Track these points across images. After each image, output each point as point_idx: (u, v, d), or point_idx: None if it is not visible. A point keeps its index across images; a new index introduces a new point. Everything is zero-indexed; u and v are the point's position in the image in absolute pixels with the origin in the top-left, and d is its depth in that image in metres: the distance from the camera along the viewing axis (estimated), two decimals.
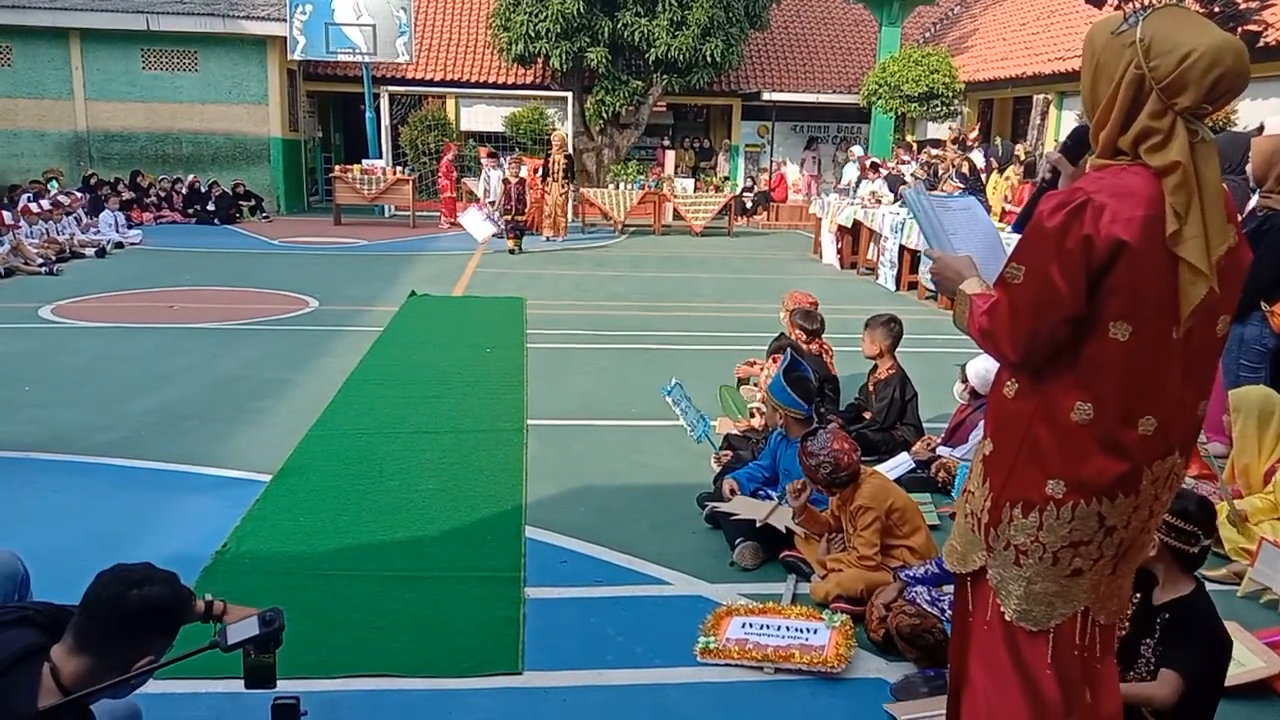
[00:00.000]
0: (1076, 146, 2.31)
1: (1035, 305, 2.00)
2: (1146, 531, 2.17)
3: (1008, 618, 2.18)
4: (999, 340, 2.08)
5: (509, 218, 14.53)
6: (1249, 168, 5.32)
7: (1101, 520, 2.08)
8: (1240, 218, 5.60)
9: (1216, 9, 2.03)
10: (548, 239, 16.15)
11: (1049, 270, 1.97)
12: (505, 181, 14.94)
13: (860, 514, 3.82)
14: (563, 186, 16.25)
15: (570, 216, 17.30)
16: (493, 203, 15.74)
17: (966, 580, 2.29)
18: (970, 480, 2.29)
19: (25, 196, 13.65)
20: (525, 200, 14.92)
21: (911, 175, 14.06)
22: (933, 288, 10.78)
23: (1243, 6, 2.03)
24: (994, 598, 2.20)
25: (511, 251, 14.26)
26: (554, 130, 18.29)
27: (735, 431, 5.57)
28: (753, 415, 5.82)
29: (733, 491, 4.54)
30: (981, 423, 4.92)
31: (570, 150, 17.81)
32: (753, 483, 4.63)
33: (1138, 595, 2.98)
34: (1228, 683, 3.15)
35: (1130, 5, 1.98)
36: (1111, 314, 1.98)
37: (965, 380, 5.30)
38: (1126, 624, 2.98)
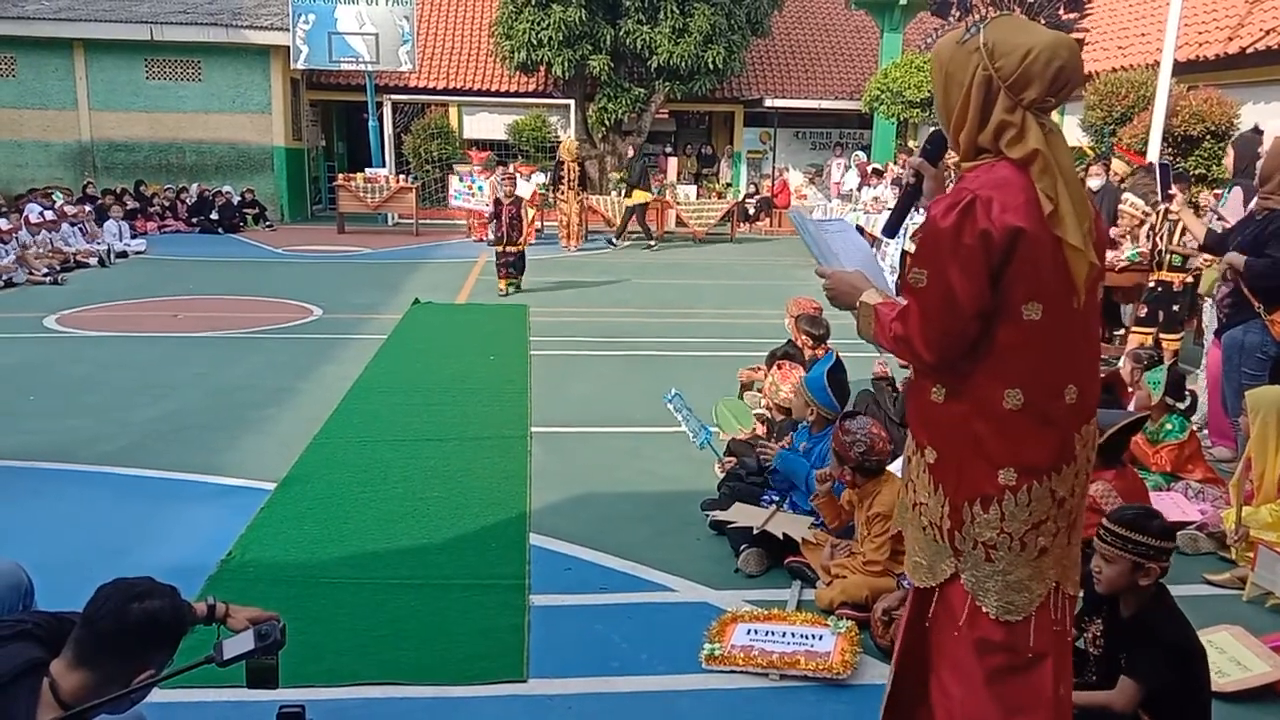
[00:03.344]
0: (935, 150, 2.42)
1: (943, 305, 2.08)
2: (1085, 495, 2.27)
3: (992, 615, 2.21)
4: (914, 344, 2.14)
5: (501, 247, 11.30)
6: (1258, 165, 5.32)
7: (1053, 495, 2.17)
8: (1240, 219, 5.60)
9: (1042, 20, 2.21)
10: (574, 248, 16.07)
11: (950, 270, 2.06)
12: (497, 203, 11.59)
13: (877, 520, 3.82)
14: (577, 195, 16.26)
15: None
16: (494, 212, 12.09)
17: (934, 592, 2.30)
18: (918, 492, 2.30)
19: (30, 208, 13.67)
20: (522, 226, 11.59)
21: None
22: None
23: (1064, 18, 2.24)
24: (971, 601, 2.23)
25: (504, 292, 11.23)
26: (566, 138, 18.09)
27: (739, 437, 5.56)
28: (758, 422, 5.81)
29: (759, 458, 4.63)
30: None
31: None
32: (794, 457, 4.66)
33: (1104, 608, 2.99)
34: (1233, 688, 3.15)
35: (971, 16, 2.16)
36: (1020, 298, 2.08)
37: None
38: (1100, 640, 2.99)
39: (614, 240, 16.70)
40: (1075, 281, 2.10)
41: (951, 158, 2.37)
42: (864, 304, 2.28)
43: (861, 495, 3.94)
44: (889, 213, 2.62)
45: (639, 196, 16.69)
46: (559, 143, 20.35)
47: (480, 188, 16.89)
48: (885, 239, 10.80)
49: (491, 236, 11.76)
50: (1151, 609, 2.88)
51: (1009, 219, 2.03)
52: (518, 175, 17.23)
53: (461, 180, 17.35)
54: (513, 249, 11.31)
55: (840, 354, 6.26)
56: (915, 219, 2.57)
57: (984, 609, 2.21)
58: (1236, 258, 5.00)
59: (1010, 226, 2.03)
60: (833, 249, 2.51)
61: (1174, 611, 2.91)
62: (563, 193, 16.15)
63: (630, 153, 17.29)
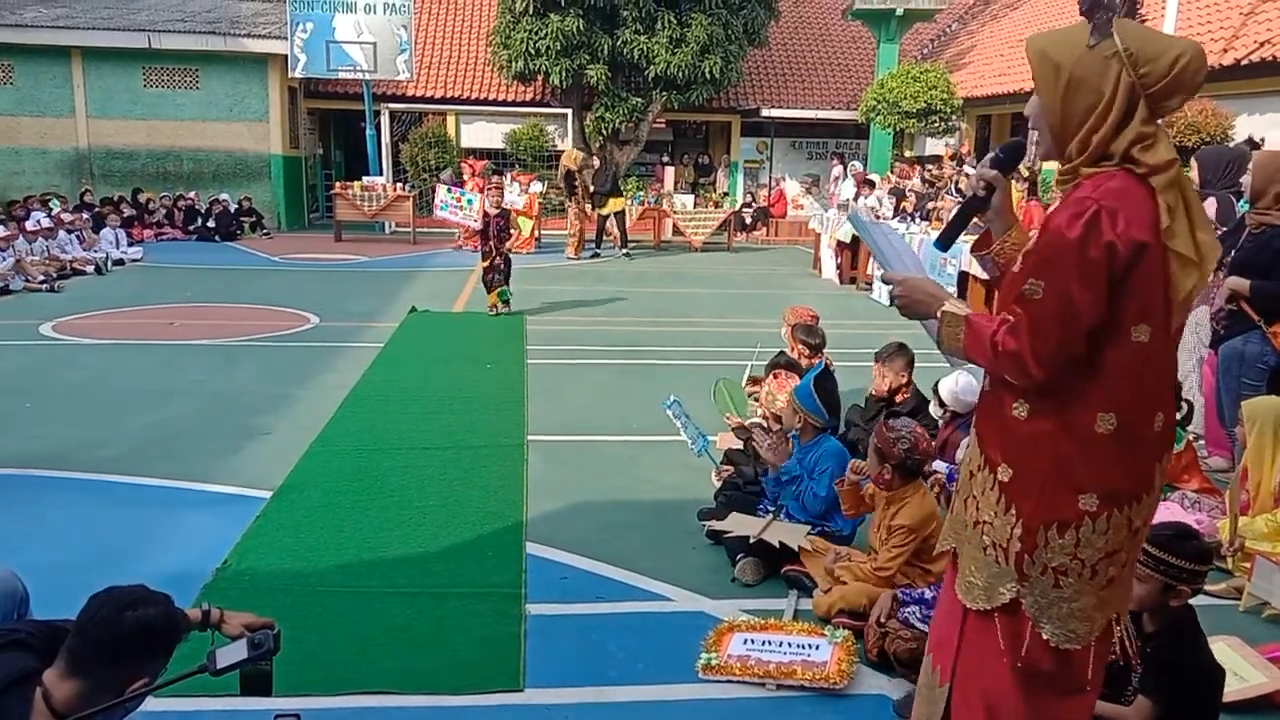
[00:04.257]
0: (1008, 160, 2.31)
1: (1059, 319, 1.99)
2: (1151, 525, 2.21)
3: (1052, 643, 2.14)
4: (1024, 360, 2.02)
5: (487, 264, 10.41)
6: (1243, 180, 5.34)
7: (1130, 524, 2.11)
8: (1224, 230, 5.62)
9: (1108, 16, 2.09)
10: (580, 256, 16.16)
11: (1070, 282, 1.97)
12: (484, 214, 10.76)
13: (898, 532, 3.77)
14: (580, 204, 16.35)
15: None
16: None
17: (993, 616, 2.21)
18: (981, 510, 2.20)
19: (35, 215, 13.64)
20: (511, 234, 10.89)
21: (910, 190, 14.10)
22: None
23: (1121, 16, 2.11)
24: (1031, 628, 2.15)
25: (495, 311, 10.35)
26: (570, 149, 17.94)
27: (735, 444, 5.56)
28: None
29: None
30: (966, 441, 4.93)
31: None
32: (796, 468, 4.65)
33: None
34: (1230, 699, 3.15)
35: (1098, 16, 2.03)
36: (1132, 317, 2.01)
37: (942, 402, 5.24)
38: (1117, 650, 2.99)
39: (598, 250, 16.72)
40: (1176, 301, 2.04)
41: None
42: (950, 314, 2.16)
43: (890, 499, 3.87)
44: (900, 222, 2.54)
45: (614, 205, 16.75)
46: (556, 152, 20.41)
47: (470, 201, 16.70)
48: (940, 250, 10.77)
49: (480, 250, 10.67)
50: (1176, 628, 2.87)
51: (1135, 233, 1.95)
52: (513, 184, 17.24)
53: (449, 191, 17.11)
54: (499, 260, 10.39)
55: (834, 363, 6.28)
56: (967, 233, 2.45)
57: (1043, 635, 2.14)
58: (1240, 282, 5.00)
59: (1136, 241, 1.96)
60: (897, 252, 2.40)
61: (1198, 633, 2.89)
62: (577, 202, 16.27)
63: (597, 163, 17.31)
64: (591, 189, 16.52)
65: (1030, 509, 2.11)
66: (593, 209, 16.78)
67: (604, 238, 16.95)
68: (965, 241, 11.01)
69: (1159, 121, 2.03)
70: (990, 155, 2.35)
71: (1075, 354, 2.02)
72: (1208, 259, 2.02)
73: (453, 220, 16.91)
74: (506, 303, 10.52)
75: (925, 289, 2.26)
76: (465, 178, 17.72)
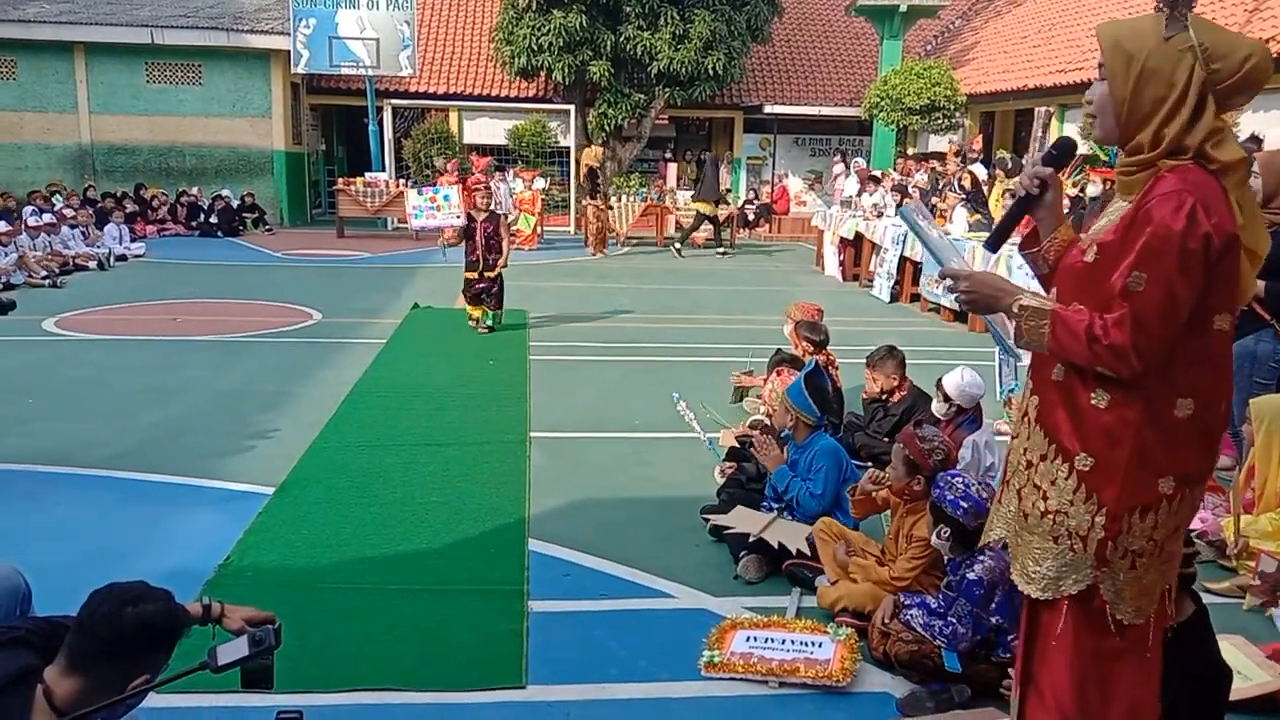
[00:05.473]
0: (1061, 157, 2.32)
1: (1163, 311, 2.01)
2: None
3: (1126, 621, 2.20)
4: (1128, 353, 2.03)
5: (474, 275, 9.03)
6: (1255, 182, 5.32)
7: (1193, 501, 2.19)
8: None
9: (1161, 5, 2.12)
10: (604, 254, 16.24)
11: (1173, 273, 1.99)
12: (470, 219, 9.20)
13: (919, 543, 3.70)
14: (600, 203, 16.52)
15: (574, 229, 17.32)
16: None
17: (1057, 604, 2.26)
18: (1049, 500, 2.21)
19: (29, 210, 13.67)
20: (501, 247, 9.12)
21: (914, 187, 14.07)
22: (942, 302, 10.75)
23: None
24: (1110, 610, 2.21)
25: (478, 325, 9.16)
26: (592, 147, 17.87)
27: (736, 445, 5.56)
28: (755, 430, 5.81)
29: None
30: (973, 438, 4.89)
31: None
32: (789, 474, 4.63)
33: None
34: (1233, 697, 3.14)
35: (1167, 8, 2.06)
36: (1216, 307, 2.07)
37: (946, 398, 5.20)
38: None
39: (727, 248, 16.91)
40: (1244, 293, 2.11)
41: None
42: (1032, 308, 2.16)
43: (910, 510, 3.79)
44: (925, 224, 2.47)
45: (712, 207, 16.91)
46: (559, 148, 20.41)
47: (446, 198, 16.32)
48: (987, 252, 10.74)
49: (464, 260, 9.17)
50: (1183, 627, 2.86)
51: (1227, 225, 2.01)
52: (515, 180, 17.15)
53: (421, 193, 16.59)
54: (489, 274, 9.06)
55: (837, 360, 6.28)
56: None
57: (1118, 615, 2.21)
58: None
59: (1228, 232, 2.01)
60: (951, 248, 2.38)
61: (1206, 633, 2.88)
62: (601, 199, 16.35)
63: (720, 163, 17.55)
64: (697, 191, 16.72)
65: (1114, 496, 2.14)
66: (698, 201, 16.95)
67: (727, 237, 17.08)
68: (970, 238, 10.93)
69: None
70: (1042, 153, 2.36)
71: (1171, 345, 2.05)
72: (1263, 257, 2.11)
73: (433, 225, 16.42)
74: (491, 328, 9.17)
75: (995, 283, 2.28)
76: (441, 172, 17.43)
